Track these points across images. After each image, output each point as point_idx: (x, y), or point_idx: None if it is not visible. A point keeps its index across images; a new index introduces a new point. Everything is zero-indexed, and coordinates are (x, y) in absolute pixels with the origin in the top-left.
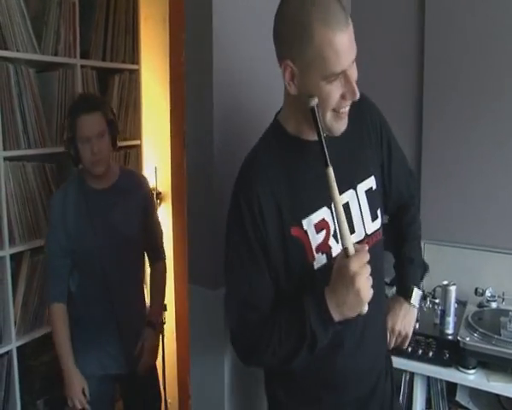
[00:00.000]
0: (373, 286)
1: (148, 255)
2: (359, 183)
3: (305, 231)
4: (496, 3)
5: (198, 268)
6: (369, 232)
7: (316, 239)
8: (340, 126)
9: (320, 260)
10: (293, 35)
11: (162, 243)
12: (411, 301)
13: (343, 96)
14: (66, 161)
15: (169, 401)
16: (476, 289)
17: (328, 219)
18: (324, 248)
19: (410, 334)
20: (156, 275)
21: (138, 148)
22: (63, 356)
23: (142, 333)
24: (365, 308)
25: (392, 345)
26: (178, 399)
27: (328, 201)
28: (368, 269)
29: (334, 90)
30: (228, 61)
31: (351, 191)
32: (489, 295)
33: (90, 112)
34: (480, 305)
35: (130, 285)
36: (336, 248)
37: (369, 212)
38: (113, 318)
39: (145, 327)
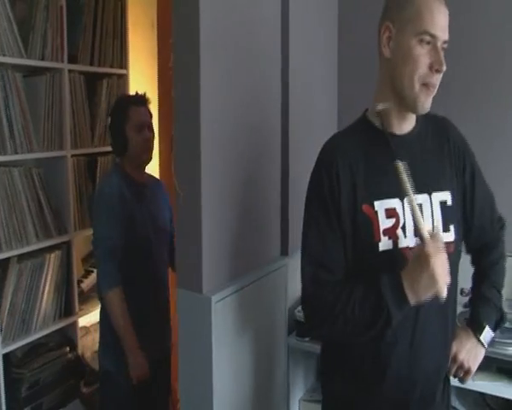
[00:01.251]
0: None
1: None
2: (434, 191)
3: (376, 212)
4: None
5: (185, 272)
6: None
7: (384, 223)
8: (427, 101)
9: (386, 243)
10: (398, 0)
11: None
12: (480, 338)
13: (430, 67)
14: (54, 166)
15: None
16: (462, 290)
17: (399, 210)
18: (392, 233)
19: (474, 370)
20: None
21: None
22: (127, 339)
23: None
24: (444, 291)
25: (453, 373)
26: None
27: (400, 194)
28: (443, 255)
29: (424, 56)
30: (216, 66)
31: (425, 195)
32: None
33: (142, 104)
34: (466, 305)
35: (166, 273)
36: (403, 241)
37: (441, 222)
38: (155, 303)
39: None
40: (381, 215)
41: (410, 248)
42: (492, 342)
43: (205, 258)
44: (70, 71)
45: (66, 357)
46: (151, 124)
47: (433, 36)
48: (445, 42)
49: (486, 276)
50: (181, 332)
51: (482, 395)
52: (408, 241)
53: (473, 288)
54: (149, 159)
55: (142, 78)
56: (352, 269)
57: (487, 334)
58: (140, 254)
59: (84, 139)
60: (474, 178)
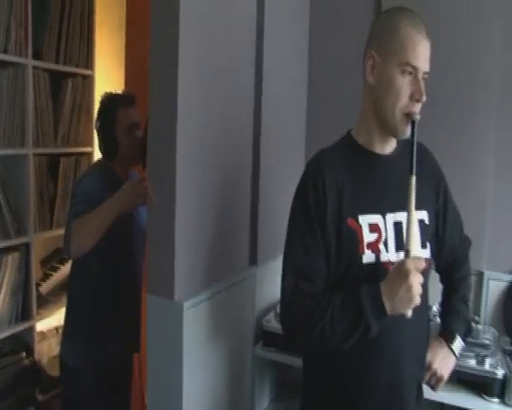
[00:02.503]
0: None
1: None
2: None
3: (360, 226)
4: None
5: (156, 277)
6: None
7: (368, 237)
8: (407, 128)
9: (369, 256)
10: (383, 30)
11: None
12: (452, 347)
13: (411, 97)
14: (15, 164)
15: None
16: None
17: (381, 226)
18: (374, 247)
19: (445, 378)
20: None
21: (90, 155)
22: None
23: None
24: (410, 312)
25: (426, 380)
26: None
27: (382, 210)
28: (421, 277)
29: (405, 86)
30: (193, 72)
31: (405, 213)
32: (435, 310)
33: (132, 105)
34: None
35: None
36: (384, 256)
37: (419, 238)
38: (129, 305)
39: None
40: (365, 229)
41: (392, 263)
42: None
43: (177, 264)
44: (34, 67)
45: (22, 363)
46: (139, 124)
47: (414, 67)
48: (425, 73)
49: (456, 290)
50: (150, 339)
51: (441, 405)
52: (389, 255)
53: (444, 301)
54: (143, 160)
55: (107, 79)
56: (334, 281)
57: (458, 344)
58: (119, 254)
59: (47, 138)
60: (446, 199)
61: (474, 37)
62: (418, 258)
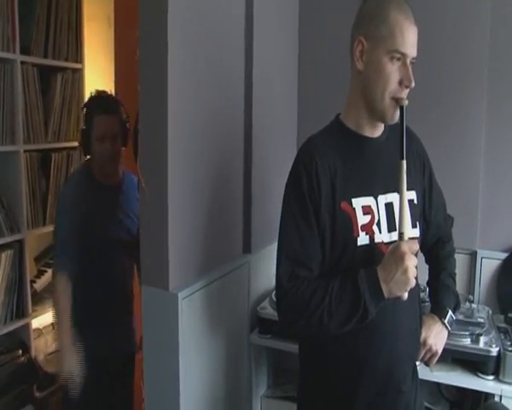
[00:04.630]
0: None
1: None
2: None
3: (354, 209)
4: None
5: (150, 268)
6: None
7: (362, 219)
8: (396, 113)
9: (363, 239)
10: (372, 16)
11: None
12: (445, 322)
13: (400, 83)
14: (6, 161)
15: None
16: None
17: (374, 208)
18: (368, 229)
19: (440, 352)
20: None
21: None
22: (61, 328)
23: None
24: (406, 295)
25: (421, 357)
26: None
27: (374, 192)
28: (416, 259)
29: (394, 72)
30: (185, 61)
31: (396, 194)
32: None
33: (108, 113)
34: (422, 301)
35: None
36: (378, 237)
37: (409, 218)
38: (117, 305)
39: None
40: (359, 212)
41: (385, 243)
42: (452, 324)
43: (171, 254)
44: (22, 62)
45: (18, 360)
46: (115, 134)
47: (403, 54)
48: (413, 58)
49: (443, 267)
50: (146, 331)
51: (437, 385)
52: (382, 236)
53: (432, 279)
54: (111, 169)
55: (97, 72)
56: (329, 266)
57: (450, 317)
58: (101, 255)
59: (38, 134)
60: (431, 179)
61: (462, 17)
62: (412, 240)
